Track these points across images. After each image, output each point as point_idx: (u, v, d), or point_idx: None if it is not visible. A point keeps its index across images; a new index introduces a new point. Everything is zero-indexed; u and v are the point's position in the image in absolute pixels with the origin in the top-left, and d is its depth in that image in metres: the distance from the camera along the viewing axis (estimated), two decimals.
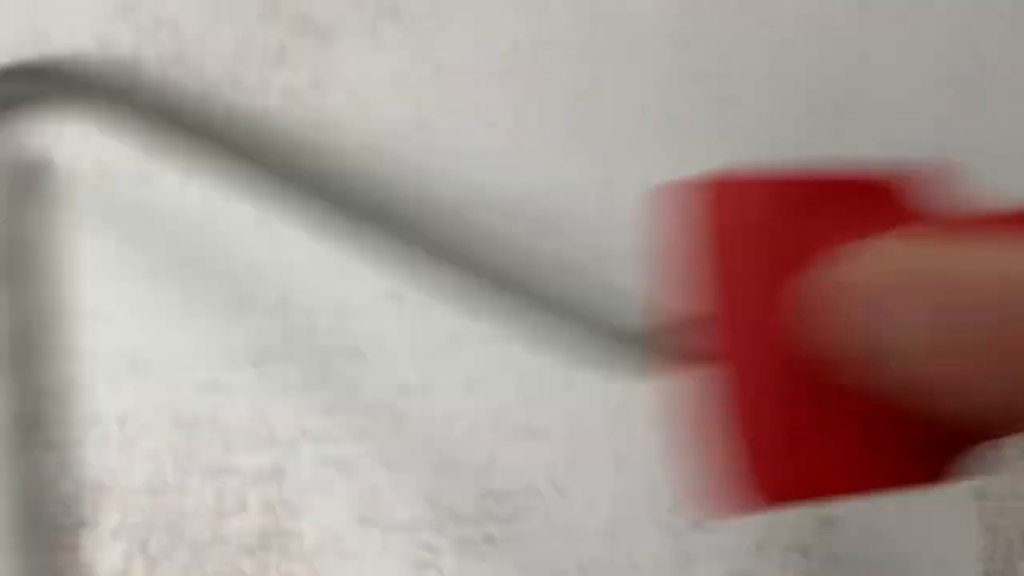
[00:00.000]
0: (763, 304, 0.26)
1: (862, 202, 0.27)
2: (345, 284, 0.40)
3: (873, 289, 0.24)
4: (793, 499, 0.27)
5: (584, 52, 0.43)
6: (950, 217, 0.27)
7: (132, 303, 0.39)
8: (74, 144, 0.38)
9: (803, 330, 0.25)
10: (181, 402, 0.39)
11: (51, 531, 0.37)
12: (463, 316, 0.40)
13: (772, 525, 0.40)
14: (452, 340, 0.40)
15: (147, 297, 0.39)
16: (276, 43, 0.40)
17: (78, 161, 0.38)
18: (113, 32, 0.39)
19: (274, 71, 0.40)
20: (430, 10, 0.41)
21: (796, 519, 0.40)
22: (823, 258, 0.26)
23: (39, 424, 0.37)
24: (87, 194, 0.38)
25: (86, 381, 0.38)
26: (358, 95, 0.41)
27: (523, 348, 0.40)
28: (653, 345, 0.28)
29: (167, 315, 0.39)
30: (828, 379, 0.25)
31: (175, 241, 0.39)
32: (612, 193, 0.42)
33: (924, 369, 0.23)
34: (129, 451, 0.38)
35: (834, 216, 0.26)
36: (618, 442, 0.40)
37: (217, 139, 0.34)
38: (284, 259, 0.40)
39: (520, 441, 0.40)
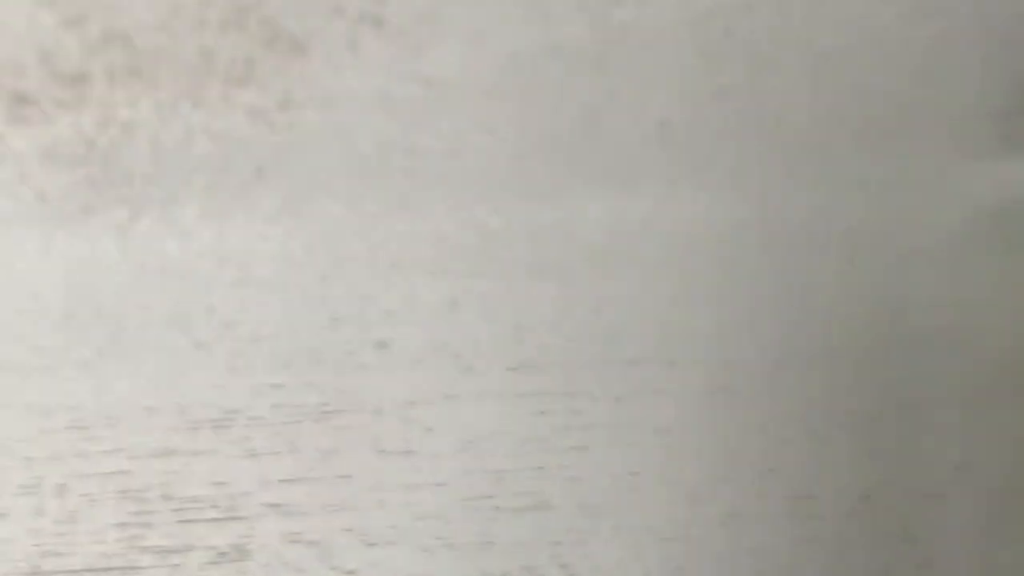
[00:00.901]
0: None
1: None
2: (320, 329, 0.35)
3: None
4: None
5: (595, 62, 0.38)
6: None
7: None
8: None
9: None
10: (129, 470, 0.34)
11: None
12: (456, 368, 0.35)
13: None
14: (444, 396, 0.35)
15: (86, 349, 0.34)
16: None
17: None
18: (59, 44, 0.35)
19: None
20: (417, 19, 0.37)
21: None
22: None
23: None
24: None
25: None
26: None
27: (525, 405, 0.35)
28: None
29: (114, 370, 0.34)
30: None
31: (119, 291, 0.35)
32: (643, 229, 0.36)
33: None
34: (71, 526, 0.34)
35: None
36: (629, 514, 0.34)
37: None
38: (242, 302, 0.35)
39: (519, 514, 0.34)
